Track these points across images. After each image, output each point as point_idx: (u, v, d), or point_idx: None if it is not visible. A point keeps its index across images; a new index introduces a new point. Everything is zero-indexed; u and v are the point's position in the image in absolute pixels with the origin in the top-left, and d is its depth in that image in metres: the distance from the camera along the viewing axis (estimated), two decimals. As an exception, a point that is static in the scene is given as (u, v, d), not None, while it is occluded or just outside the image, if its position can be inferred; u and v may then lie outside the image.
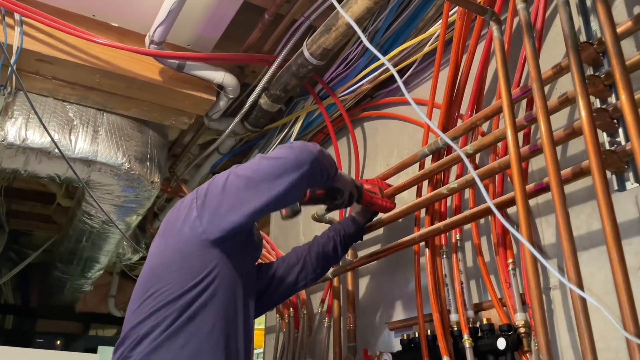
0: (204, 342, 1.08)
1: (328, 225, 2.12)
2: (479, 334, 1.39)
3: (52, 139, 2.01)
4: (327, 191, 1.48)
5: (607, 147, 1.10)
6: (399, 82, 0.75)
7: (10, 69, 1.89)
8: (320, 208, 2.06)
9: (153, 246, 1.27)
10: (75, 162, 2.16)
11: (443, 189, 1.47)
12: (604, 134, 1.11)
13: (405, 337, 1.61)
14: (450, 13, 1.60)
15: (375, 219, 1.74)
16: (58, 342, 4.73)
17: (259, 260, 2.28)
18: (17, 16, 1.89)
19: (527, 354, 1.26)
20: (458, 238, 1.54)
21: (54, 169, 2.22)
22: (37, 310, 4.76)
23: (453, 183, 1.43)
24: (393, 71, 0.75)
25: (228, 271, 1.17)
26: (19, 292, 4.72)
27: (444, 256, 1.54)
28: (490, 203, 0.77)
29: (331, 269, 1.95)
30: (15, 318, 4.72)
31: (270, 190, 1.15)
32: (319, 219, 2.09)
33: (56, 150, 2.07)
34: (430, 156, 1.61)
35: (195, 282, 1.12)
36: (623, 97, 1.00)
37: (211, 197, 1.18)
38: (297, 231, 2.50)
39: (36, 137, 2.08)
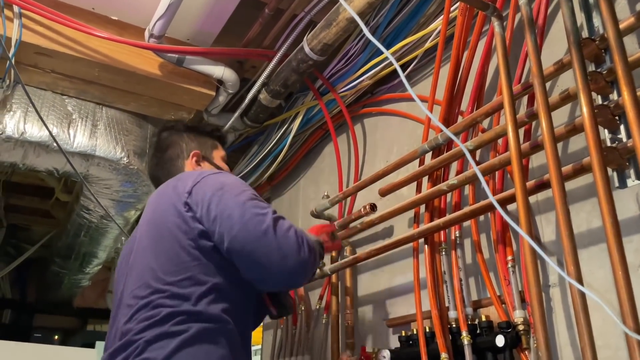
0: (229, 343, 1.07)
1: (327, 222, 2.12)
2: (478, 331, 1.38)
3: (50, 133, 2.00)
4: None
5: (609, 143, 1.09)
6: (402, 76, 0.74)
7: (8, 62, 1.88)
8: (319, 204, 2.05)
9: (144, 242, 1.21)
10: (73, 156, 2.15)
11: (443, 185, 1.46)
12: (605, 130, 1.11)
13: (403, 334, 1.61)
14: (452, 9, 1.59)
15: (374, 215, 1.74)
16: (56, 337, 4.73)
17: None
18: (16, 8, 1.87)
19: (526, 352, 1.26)
20: (457, 235, 1.53)
21: (53, 163, 2.21)
22: (34, 305, 4.76)
23: (453, 179, 1.43)
24: (396, 65, 0.74)
25: (235, 271, 1.14)
26: (17, 287, 4.72)
27: (443, 253, 1.54)
28: (492, 198, 0.77)
29: (329, 265, 1.95)
30: (13, 313, 4.71)
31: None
32: (317, 215, 2.08)
33: (54, 144, 2.06)
34: (430, 153, 1.60)
35: (209, 286, 1.09)
36: (625, 93, 1.00)
37: (237, 226, 1.10)
38: (296, 227, 2.49)
39: (34, 131, 2.07)
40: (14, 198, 3.62)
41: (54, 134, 2.07)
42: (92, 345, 3.66)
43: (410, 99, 1.96)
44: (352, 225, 1.91)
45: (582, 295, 0.93)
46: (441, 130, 1.55)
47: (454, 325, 1.43)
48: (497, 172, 1.43)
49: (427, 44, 1.79)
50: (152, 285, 1.10)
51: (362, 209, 1.79)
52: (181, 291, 1.07)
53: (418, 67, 1.93)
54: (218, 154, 1.52)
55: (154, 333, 1.03)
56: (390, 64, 1.90)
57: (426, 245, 1.56)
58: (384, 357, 1.64)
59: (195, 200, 1.17)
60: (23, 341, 3.65)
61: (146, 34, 1.98)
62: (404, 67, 1.92)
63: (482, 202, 1.35)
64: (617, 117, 1.08)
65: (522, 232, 0.84)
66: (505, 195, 1.25)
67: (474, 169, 0.84)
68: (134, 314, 1.08)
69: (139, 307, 1.08)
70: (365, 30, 0.79)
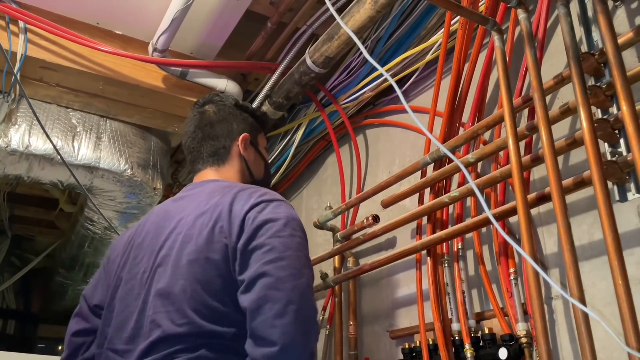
0: None
1: (329, 233, 2.13)
2: (481, 344, 1.38)
3: (55, 147, 2.02)
4: None
5: (609, 157, 1.10)
6: (399, 93, 0.75)
7: (14, 76, 1.90)
8: (322, 215, 2.06)
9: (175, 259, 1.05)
10: (78, 169, 2.16)
11: (444, 197, 1.47)
12: (605, 144, 1.12)
13: (406, 346, 1.61)
14: (452, 22, 1.60)
15: (377, 227, 1.74)
16: (60, 347, 4.71)
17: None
18: (21, 24, 1.90)
19: (529, 364, 1.26)
20: (460, 247, 1.54)
21: (57, 175, 2.23)
22: (38, 316, 4.76)
23: (455, 191, 1.43)
24: (392, 82, 0.75)
25: None
26: (21, 298, 4.72)
27: (446, 265, 1.54)
28: (489, 214, 0.77)
29: (332, 277, 1.95)
30: (17, 323, 4.71)
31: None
32: (320, 226, 2.09)
33: (59, 157, 2.08)
34: (432, 164, 1.61)
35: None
36: (624, 107, 1.01)
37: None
38: (299, 238, 2.50)
39: (39, 144, 2.08)
40: (19, 209, 3.63)
41: (58, 147, 2.08)
42: (95, 356, 3.65)
43: (412, 110, 1.97)
44: (354, 236, 1.92)
45: (584, 311, 0.94)
46: (443, 142, 1.56)
47: (457, 338, 1.44)
48: (498, 185, 1.44)
49: (428, 57, 1.80)
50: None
51: (364, 220, 1.80)
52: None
53: (420, 79, 1.94)
54: (262, 141, 1.37)
55: None
56: (392, 76, 1.91)
57: (429, 257, 1.56)
58: (388, 369, 1.64)
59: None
60: (27, 352, 3.65)
61: (150, 47, 2.00)
62: (405, 78, 1.94)
63: (484, 215, 1.35)
64: (616, 131, 1.09)
65: (524, 254, 0.85)
66: (506, 208, 1.26)
67: (471, 184, 0.84)
68: None
69: None
70: (363, 50, 0.80)
